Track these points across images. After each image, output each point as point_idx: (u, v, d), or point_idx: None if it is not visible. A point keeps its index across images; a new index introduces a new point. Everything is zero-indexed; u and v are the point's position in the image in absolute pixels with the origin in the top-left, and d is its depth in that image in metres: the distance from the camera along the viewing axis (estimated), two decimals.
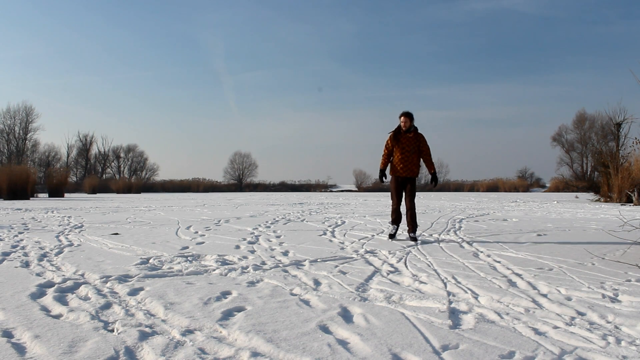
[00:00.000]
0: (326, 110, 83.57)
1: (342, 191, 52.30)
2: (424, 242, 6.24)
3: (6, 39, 73.44)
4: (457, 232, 7.51)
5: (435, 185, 6.83)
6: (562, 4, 72.83)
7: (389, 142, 6.76)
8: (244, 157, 65.94)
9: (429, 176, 6.94)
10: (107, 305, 3.09)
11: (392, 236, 6.64)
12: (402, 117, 6.70)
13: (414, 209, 6.66)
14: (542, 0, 72.24)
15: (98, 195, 38.41)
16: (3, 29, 72.70)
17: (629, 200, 18.51)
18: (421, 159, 6.81)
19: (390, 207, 6.89)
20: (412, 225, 6.56)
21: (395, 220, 6.73)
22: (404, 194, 6.74)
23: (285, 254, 5.28)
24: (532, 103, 79.96)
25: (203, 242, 6.27)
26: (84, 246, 5.94)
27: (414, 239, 6.39)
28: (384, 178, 6.83)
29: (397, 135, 6.70)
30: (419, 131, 6.77)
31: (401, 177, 6.68)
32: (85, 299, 3.29)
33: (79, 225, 8.88)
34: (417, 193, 9.27)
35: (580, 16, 72.75)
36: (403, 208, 6.81)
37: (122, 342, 2.38)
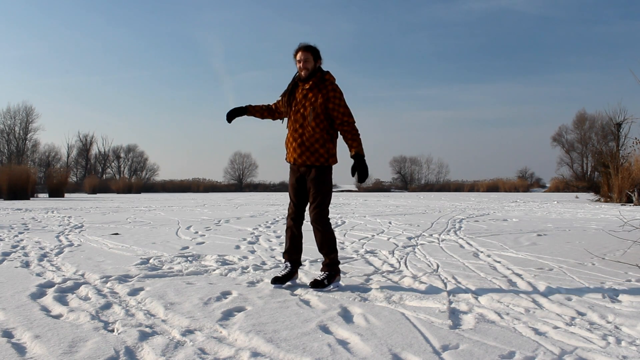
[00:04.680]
0: None
1: (342, 191, 52.24)
2: (423, 242, 6.23)
3: (6, 39, 73.52)
4: (457, 232, 7.50)
5: (362, 179, 3.66)
6: (562, 4, 72.93)
7: (280, 100, 3.89)
8: (244, 157, 65.94)
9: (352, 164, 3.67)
10: (107, 306, 3.09)
11: (278, 280, 3.67)
12: (299, 53, 3.69)
13: (324, 225, 3.66)
14: (541, 0, 72.31)
15: (98, 195, 38.39)
16: (3, 29, 72.78)
17: (629, 201, 18.51)
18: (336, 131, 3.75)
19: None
20: (323, 254, 3.73)
21: (290, 249, 3.80)
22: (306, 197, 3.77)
23: None
24: (532, 103, 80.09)
25: (203, 242, 6.27)
26: (84, 246, 5.94)
27: (317, 283, 3.56)
28: (231, 118, 3.98)
29: (294, 91, 3.78)
30: (330, 82, 3.70)
31: (296, 166, 3.74)
32: (86, 299, 3.29)
33: (79, 225, 8.88)
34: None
35: (580, 16, 72.82)
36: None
37: (122, 342, 2.38)
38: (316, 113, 3.62)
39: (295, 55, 3.72)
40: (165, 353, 2.25)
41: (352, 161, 3.68)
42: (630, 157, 18.97)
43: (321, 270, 3.71)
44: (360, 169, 3.63)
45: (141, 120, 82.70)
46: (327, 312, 2.94)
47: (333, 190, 3.91)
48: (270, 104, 4.02)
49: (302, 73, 3.68)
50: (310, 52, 3.68)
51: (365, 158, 3.67)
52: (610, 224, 8.78)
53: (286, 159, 3.83)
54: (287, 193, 3.86)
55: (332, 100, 3.63)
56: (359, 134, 3.70)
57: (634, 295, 3.35)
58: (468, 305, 3.08)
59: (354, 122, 3.71)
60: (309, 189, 3.70)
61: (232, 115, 4.00)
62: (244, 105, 4.03)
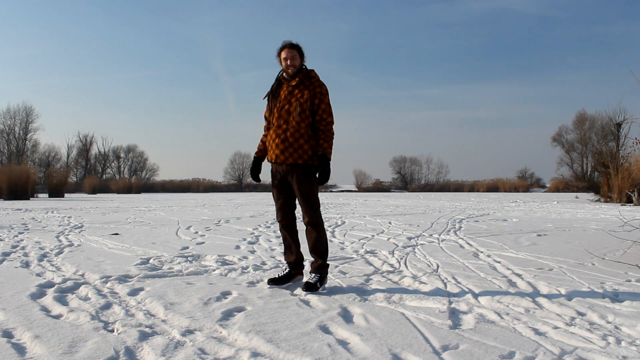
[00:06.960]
0: None
1: (342, 191, 52.20)
2: (423, 243, 6.23)
3: (6, 39, 73.53)
4: (457, 232, 7.50)
5: (322, 181, 3.60)
6: (561, 4, 72.98)
7: (267, 109, 3.78)
8: (244, 157, 65.88)
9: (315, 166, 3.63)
10: (107, 306, 3.09)
11: (274, 281, 3.69)
12: (284, 51, 3.62)
13: (317, 225, 3.65)
14: (541, 0, 72.34)
15: (98, 195, 38.39)
16: (3, 29, 72.79)
17: (629, 201, 18.51)
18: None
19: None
20: (315, 256, 3.66)
21: (287, 252, 3.84)
22: (295, 200, 3.74)
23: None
24: (532, 103, 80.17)
25: (203, 242, 6.27)
26: (84, 246, 5.94)
27: (310, 286, 3.50)
28: (259, 175, 3.88)
29: (278, 90, 3.71)
30: (316, 79, 3.66)
31: (280, 167, 3.64)
32: (85, 299, 3.29)
33: (79, 225, 8.88)
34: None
35: (580, 16, 72.87)
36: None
37: (122, 342, 2.38)
38: (302, 108, 3.56)
39: (279, 54, 3.65)
40: (165, 353, 2.25)
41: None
42: (630, 157, 18.99)
43: (311, 272, 3.67)
44: (322, 171, 3.59)
45: (141, 120, 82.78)
46: (327, 312, 2.94)
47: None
48: (263, 131, 3.86)
49: (290, 71, 3.61)
50: (295, 50, 3.63)
51: (330, 163, 3.64)
52: (610, 224, 8.78)
53: (267, 159, 3.77)
54: None
55: (318, 95, 3.59)
56: (332, 137, 3.65)
57: (634, 295, 3.35)
58: (468, 305, 3.08)
59: (332, 122, 3.67)
60: (296, 192, 3.63)
61: (255, 174, 3.89)
62: (259, 161, 3.88)
